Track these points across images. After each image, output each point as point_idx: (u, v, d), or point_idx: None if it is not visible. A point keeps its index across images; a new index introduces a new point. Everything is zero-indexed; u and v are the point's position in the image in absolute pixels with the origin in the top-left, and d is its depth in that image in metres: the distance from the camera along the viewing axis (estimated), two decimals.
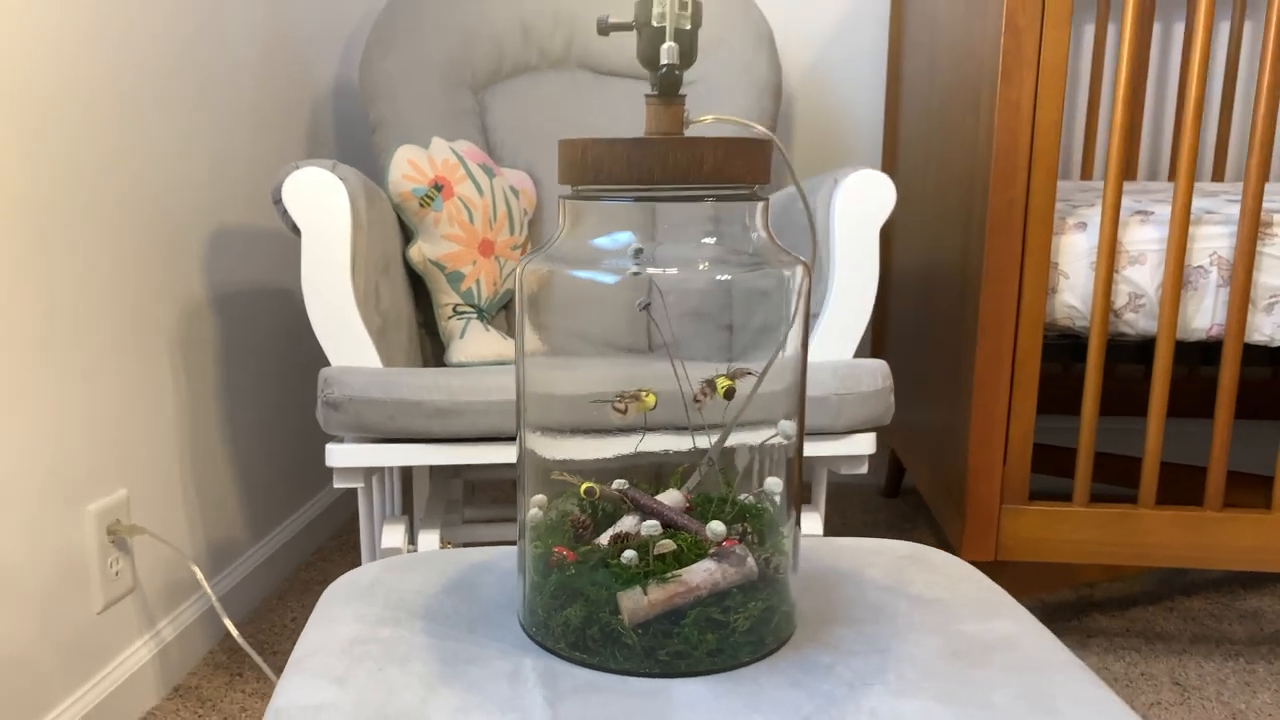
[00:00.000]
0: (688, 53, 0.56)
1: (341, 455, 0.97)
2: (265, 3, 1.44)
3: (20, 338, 0.97)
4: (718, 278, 0.56)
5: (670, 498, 0.66)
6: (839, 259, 1.16)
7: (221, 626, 1.34)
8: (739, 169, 0.55)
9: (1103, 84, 1.77)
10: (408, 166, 1.26)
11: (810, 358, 1.15)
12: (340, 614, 0.64)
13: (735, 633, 0.57)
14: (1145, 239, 1.18)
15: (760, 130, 0.59)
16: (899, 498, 2.02)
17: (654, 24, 0.55)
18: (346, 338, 1.06)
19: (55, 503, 1.03)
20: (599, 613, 0.57)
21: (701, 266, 0.56)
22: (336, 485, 0.98)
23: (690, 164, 0.53)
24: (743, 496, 0.66)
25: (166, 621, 1.23)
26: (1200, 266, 1.17)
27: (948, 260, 1.36)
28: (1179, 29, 1.80)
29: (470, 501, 1.47)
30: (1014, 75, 1.12)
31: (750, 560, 0.58)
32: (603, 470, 0.65)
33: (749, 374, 0.66)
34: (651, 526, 0.58)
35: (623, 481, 0.66)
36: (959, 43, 1.33)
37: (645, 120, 0.58)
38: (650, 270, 0.56)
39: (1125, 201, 1.26)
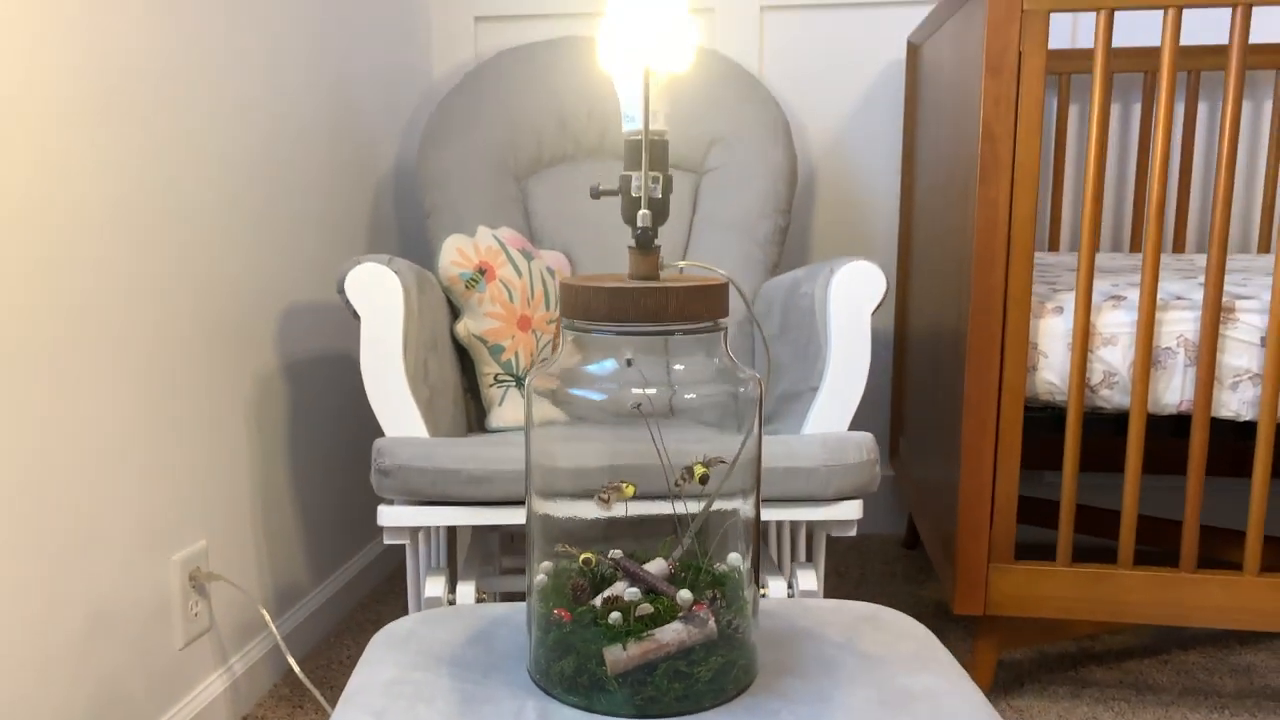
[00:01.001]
0: (660, 214, 0.71)
1: (390, 516, 1.12)
2: (331, 98, 1.63)
3: (118, 407, 1.14)
4: (685, 396, 0.70)
5: (656, 566, 0.79)
6: (834, 340, 1.29)
7: (285, 662, 1.50)
8: (699, 309, 0.69)
9: (1066, 159, 1.88)
10: (455, 254, 1.42)
11: (806, 429, 1.28)
12: (382, 659, 0.79)
13: (699, 682, 0.70)
14: (1117, 322, 1.29)
15: (721, 274, 0.73)
16: (918, 549, 2.12)
17: (632, 194, 0.70)
18: (398, 410, 1.22)
19: (145, 551, 1.20)
20: (588, 663, 0.70)
21: (675, 389, 0.70)
22: (386, 542, 1.14)
23: (658, 307, 0.68)
24: (718, 566, 0.79)
25: (237, 658, 1.39)
26: (1168, 348, 1.28)
27: (948, 332, 1.48)
28: (1136, 108, 1.90)
29: (509, 550, 1.62)
30: (991, 176, 1.24)
31: (711, 623, 0.71)
32: (605, 530, 0.79)
33: (721, 463, 0.80)
34: (633, 593, 0.72)
35: (617, 551, 0.79)
36: (952, 139, 1.46)
37: (627, 266, 0.72)
38: (633, 390, 0.70)
39: (1101, 285, 1.37)
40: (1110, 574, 1.31)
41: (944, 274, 1.51)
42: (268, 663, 1.45)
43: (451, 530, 1.53)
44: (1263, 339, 1.25)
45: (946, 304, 1.49)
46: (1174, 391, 1.28)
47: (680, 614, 0.71)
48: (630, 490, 0.73)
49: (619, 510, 0.75)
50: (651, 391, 0.69)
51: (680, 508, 0.79)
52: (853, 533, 1.20)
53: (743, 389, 0.71)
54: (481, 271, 1.42)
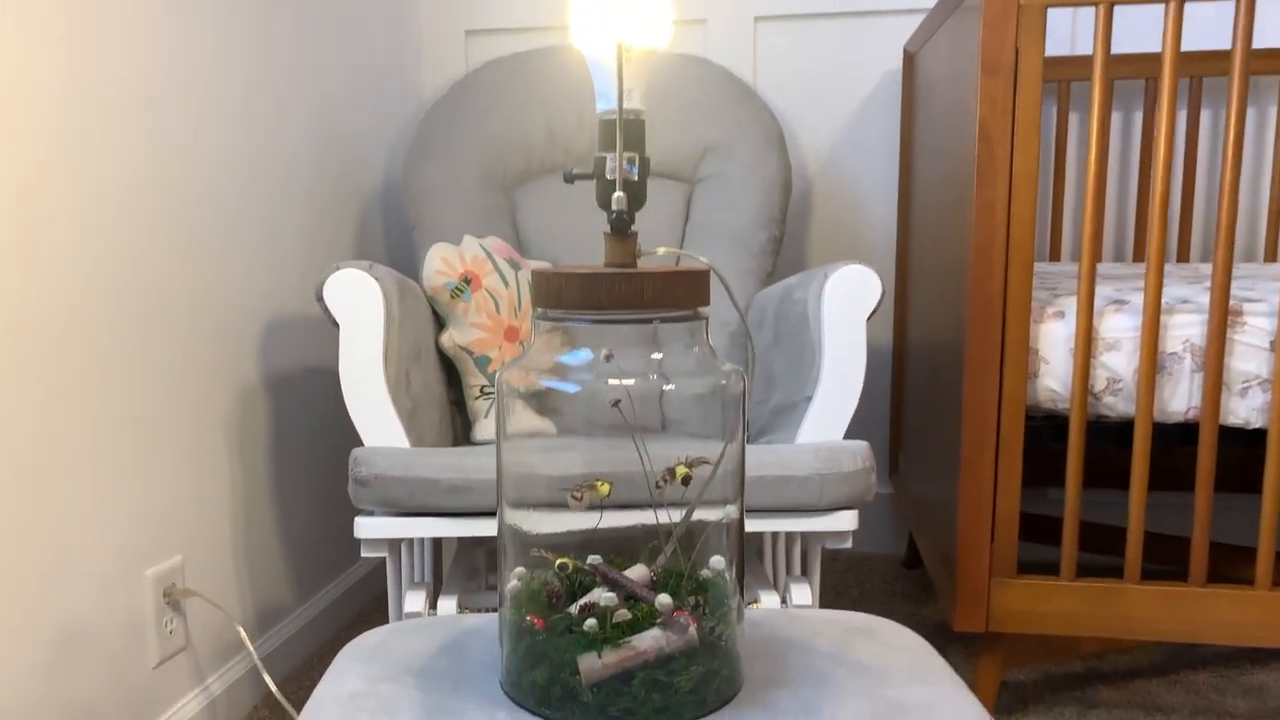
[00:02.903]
0: (636, 198, 0.68)
1: (368, 528, 1.09)
2: (319, 112, 1.61)
3: (89, 418, 1.11)
4: (665, 388, 0.66)
5: (637, 572, 0.75)
6: (828, 347, 1.25)
7: (266, 683, 1.45)
8: (677, 296, 0.65)
9: (1066, 169, 1.85)
10: (440, 263, 1.39)
11: (800, 439, 1.24)
12: (348, 670, 0.75)
13: (678, 693, 0.66)
14: (1121, 327, 1.25)
15: (702, 261, 0.69)
16: (919, 569, 2.07)
17: (607, 176, 0.67)
18: (378, 421, 1.18)
19: (119, 568, 1.16)
20: (561, 673, 0.66)
21: (652, 378, 0.66)
22: (364, 554, 1.10)
23: (633, 293, 0.64)
24: (703, 572, 0.75)
25: (215, 677, 1.34)
26: (1174, 353, 1.24)
27: (946, 342, 1.44)
28: (1137, 117, 1.87)
29: (495, 564, 1.58)
30: (988, 179, 1.21)
31: (692, 630, 0.67)
32: (580, 542, 0.75)
33: (705, 463, 0.76)
34: (609, 598, 0.68)
35: (596, 557, 0.75)
36: (949, 144, 1.43)
37: (604, 253, 0.69)
38: (610, 381, 0.66)
39: (1103, 290, 1.34)
40: (1117, 589, 1.27)
41: (942, 283, 1.48)
42: (247, 683, 1.41)
43: (437, 544, 1.49)
44: (1271, 343, 1.21)
45: (945, 314, 1.45)
46: (1180, 398, 1.24)
47: (659, 620, 0.67)
48: (605, 489, 0.69)
49: (593, 519, 0.71)
50: (630, 382, 0.66)
51: (663, 516, 0.75)
52: (848, 544, 1.16)
53: (725, 381, 0.68)
54: (467, 281, 1.39)
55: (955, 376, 1.35)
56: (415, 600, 1.12)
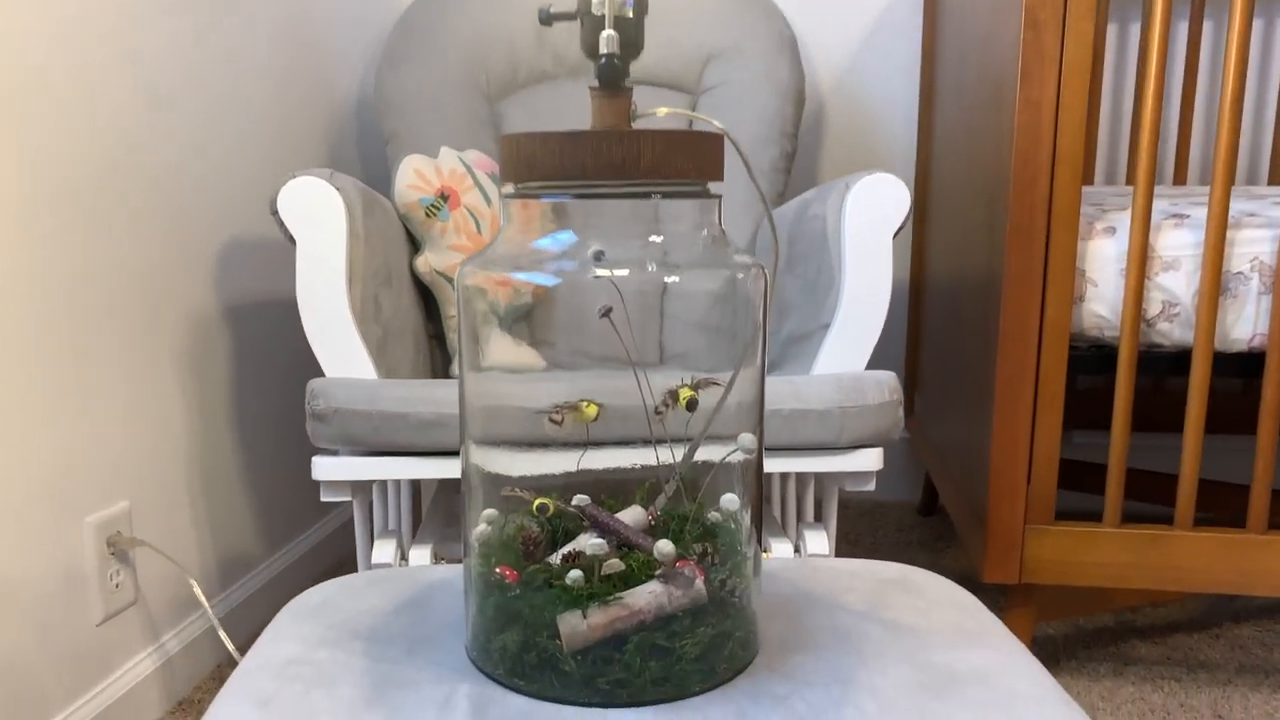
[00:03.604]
0: (632, 42, 0.53)
1: (327, 468, 0.96)
2: (289, 15, 1.45)
3: (18, 342, 0.97)
4: (668, 279, 0.53)
5: (632, 515, 0.62)
6: (849, 267, 1.11)
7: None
8: (683, 164, 0.51)
9: (1103, 83, 1.70)
10: (414, 176, 1.25)
11: (817, 369, 1.11)
12: (285, 633, 0.62)
13: (682, 660, 0.53)
14: (1180, 244, 1.11)
15: (715, 125, 0.55)
16: (935, 516, 1.95)
17: (593, 12, 0.52)
18: (341, 349, 1.05)
19: (52, 513, 1.03)
20: (538, 637, 0.54)
21: (650, 268, 0.53)
22: (324, 499, 0.97)
23: (627, 159, 0.50)
24: (710, 514, 0.62)
25: (171, 635, 1.22)
26: (1240, 273, 1.10)
27: (974, 271, 1.30)
28: (1182, 27, 1.72)
29: None
30: (1034, 74, 1.06)
31: (699, 583, 0.54)
32: (560, 486, 0.62)
33: (714, 384, 0.63)
34: (597, 545, 0.55)
35: (584, 497, 0.62)
36: (983, 43, 1.28)
37: (591, 115, 0.55)
38: (598, 272, 0.52)
39: (1157, 204, 1.19)
40: (1166, 536, 1.14)
41: (972, 204, 1.34)
42: (208, 642, 1.29)
43: (415, 488, 1.36)
44: None
45: (975, 238, 1.31)
46: (1245, 323, 1.11)
47: (659, 572, 0.54)
48: (592, 411, 0.56)
49: (574, 458, 0.57)
50: (623, 273, 0.52)
51: (664, 454, 0.62)
52: (870, 486, 1.03)
53: (742, 275, 0.54)
54: (444, 197, 1.25)
55: (986, 307, 1.21)
56: (384, 550, 0.99)
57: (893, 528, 1.89)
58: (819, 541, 1.07)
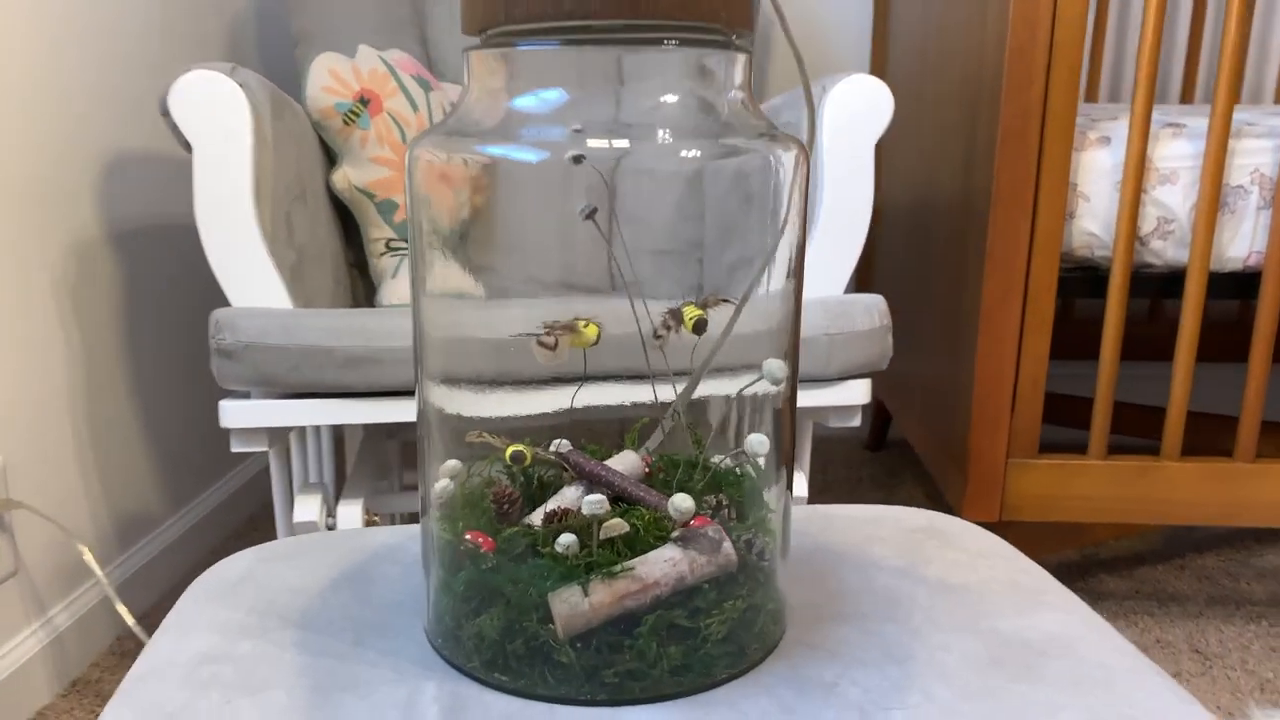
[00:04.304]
0: None
1: (237, 414, 0.82)
2: None
3: None
4: (684, 154, 0.41)
5: (625, 462, 0.51)
6: (828, 179, 1.00)
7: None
8: (710, 3, 0.39)
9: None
10: (328, 78, 1.09)
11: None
12: (196, 620, 0.49)
13: (707, 643, 0.43)
14: (1178, 155, 1.03)
15: None
16: (883, 451, 1.89)
17: None
18: (249, 273, 0.90)
19: None
20: (524, 620, 0.42)
21: (663, 138, 0.40)
22: (235, 449, 0.83)
23: None
24: (718, 459, 0.51)
25: (60, 608, 1.07)
26: (1240, 186, 1.02)
27: (947, 186, 1.20)
28: None
29: (412, 460, 1.32)
30: None
31: (727, 545, 0.43)
32: (536, 432, 0.50)
33: (725, 302, 0.51)
34: (595, 502, 0.43)
35: (563, 442, 0.51)
36: None
37: None
38: (590, 143, 0.40)
39: (1154, 114, 1.11)
40: (1154, 467, 1.08)
41: (941, 112, 1.23)
42: (103, 613, 1.14)
43: (338, 435, 1.23)
44: None
45: (945, 151, 1.21)
46: (1242, 240, 1.04)
47: (675, 534, 0.43)
48: (593, 332, 0.44)
49: (562, 397, 0.45)
50: (623, 144, 0.40)
51: (665, 390, 0.51)
52: (857, 421, 0.93)
53: (774, 155, 0.42)
54: (364, 102, 1.09)
55: (965, 226, 1.12)
56: (307, 507, 0.86)
57: (840, 465, 1.81)
58: (798, 485, 0.98)
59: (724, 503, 0.47)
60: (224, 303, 1.37)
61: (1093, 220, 1.05)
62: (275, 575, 0.53)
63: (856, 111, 0.99)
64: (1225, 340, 1.59)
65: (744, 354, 0.49)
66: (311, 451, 0.99)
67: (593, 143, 0.40)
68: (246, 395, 0.84)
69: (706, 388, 0.50)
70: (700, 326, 0.50)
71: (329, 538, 0.58)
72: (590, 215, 0.48)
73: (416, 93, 1.13)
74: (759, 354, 0.49)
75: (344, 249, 1.18)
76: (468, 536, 0.44)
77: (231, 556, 0.56)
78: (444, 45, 1.32)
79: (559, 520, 0.46)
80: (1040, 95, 0.98)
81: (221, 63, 0.93)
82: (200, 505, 1.37)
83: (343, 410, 0.82)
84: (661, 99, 0.41)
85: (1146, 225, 1.04)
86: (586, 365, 0.49)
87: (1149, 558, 1.41)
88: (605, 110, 0.42)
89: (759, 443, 0.46)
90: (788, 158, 0.43)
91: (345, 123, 1.08)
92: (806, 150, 0.44)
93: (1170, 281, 1.09)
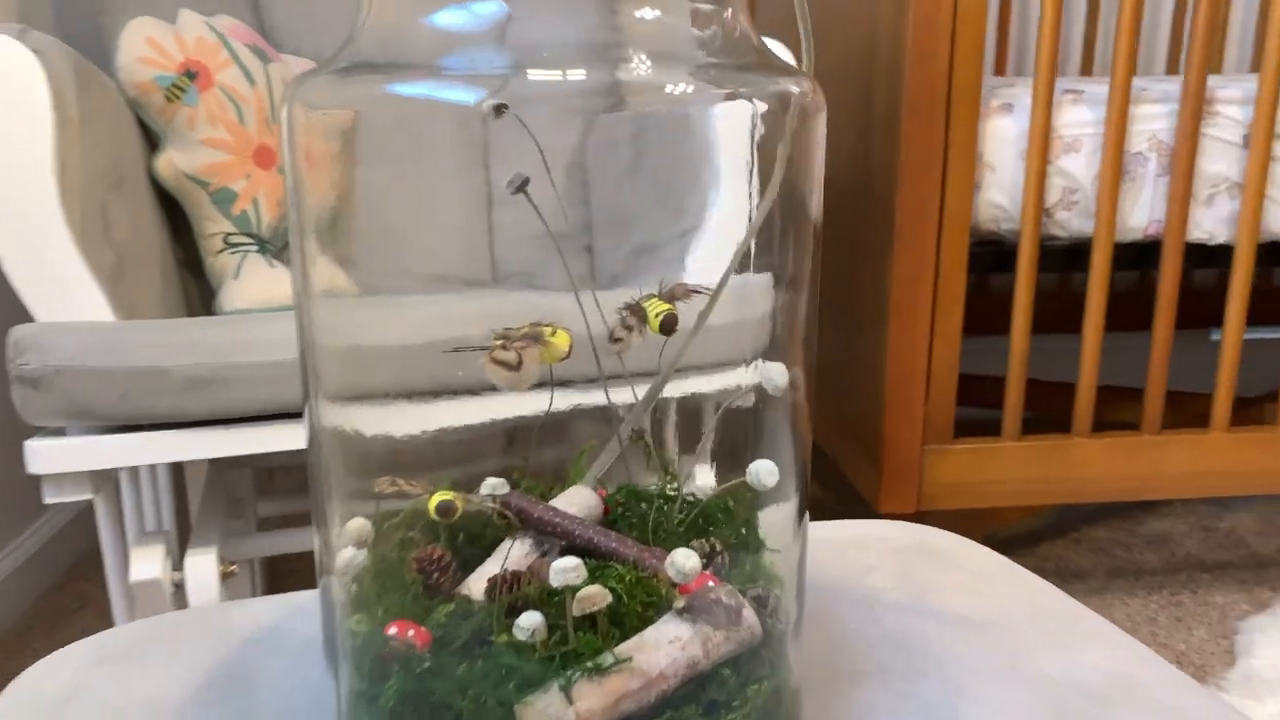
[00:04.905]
0: None
1: (47, 456, 0.66)
2: None
3: None
4: (669, 90, 0.30)
5: (577, 500, 0.40)
6: (726, 156, 0.91)
7: None
8: None
9: None
10: (145, 47, 0.92)
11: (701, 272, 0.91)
12: None
13: None
14: (1080, 121, 0.99)
15: None
16: None
17: None
18: (57, 280, 0.73)
19: None
20: None
21: (641, 68, 0.30)
22: (48, 500, 0.67)
23: None
24: (697, 488, 0.42)
25: None
26: (1139, 153, 1.00)
27: (839, 162, 1.14)
28: None
29: (269, 488, 1.16)
30: None
31: (749, 612, 0.33)
32: (460, 454, 0.40)
33: (697, 292, 0.42)
34: (568, 569, 0.32)
35: (497, 481, 0.40)
36: None
37: None
38: (528, 75, 0.29)
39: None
40: (1067, 444, 1.05)
41: (830, 86, 1.17)
42: None
43: (177, 469, 1.05)
44: (1245, 137, 0.99)
45: (836, 127, 1.15)
46: (1142, 209, 1.01)
47: (681, 605, 0.33)
48: (564, 341, 0.33)
49: (506, 406, 0.34)
50: (579, 75, 0.29)
51: (620, 394, 0.41)
52: (752, 402, 0.85)
53: (793, 86, 0.33)
54: (190, 75, 0.93)
55: (852, 209, 1.05)
56: (147, 563, 0.70)
57: None
58: (705, 480, 0.89)
59: (717, 548, 0.37)
60: (26, 318, 1.16)
61: (999, 191, 1.00)
62: (116, 685, 0.39)
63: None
64: (1128, 309, 1.60)
65: (723, 351, 0.40)
66: (147, 493, 0.83)
67: (532, 74, 0.29)
68: (61, 431, 0.68)
69: (672, 391, 0.41)
70: (669, 325, 0.40)
71: (184, 621, 0.44)
72: (521, 188, 0.37)
73: (253, 64, 0.98)
74: (742, 350, 0.40)
75: (173, 245, 1.01)
76: (392, 631, 0.32)
77: (53, 658, 0.42)
78: (279, 11, 1.15)
79: (508, 588, 0.34)
80: (945, 67, 0.92)
81: (8, 24, 0.76)
82: (23, 546, 1.17)
83: (184, 444, 0.67)
84: (637, 12, 0.31)
85: (1052, 196, 1.00)
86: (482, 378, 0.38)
87: (1045, 533, 1.40)
88: (552, 30, 0.31)
89: (767, 471, 0.36)
90: (799, 97, 0.33)
91: (168, 99, 0.92)
92: (820, 91, 0.34)
93: (1074, 254, 1.06)
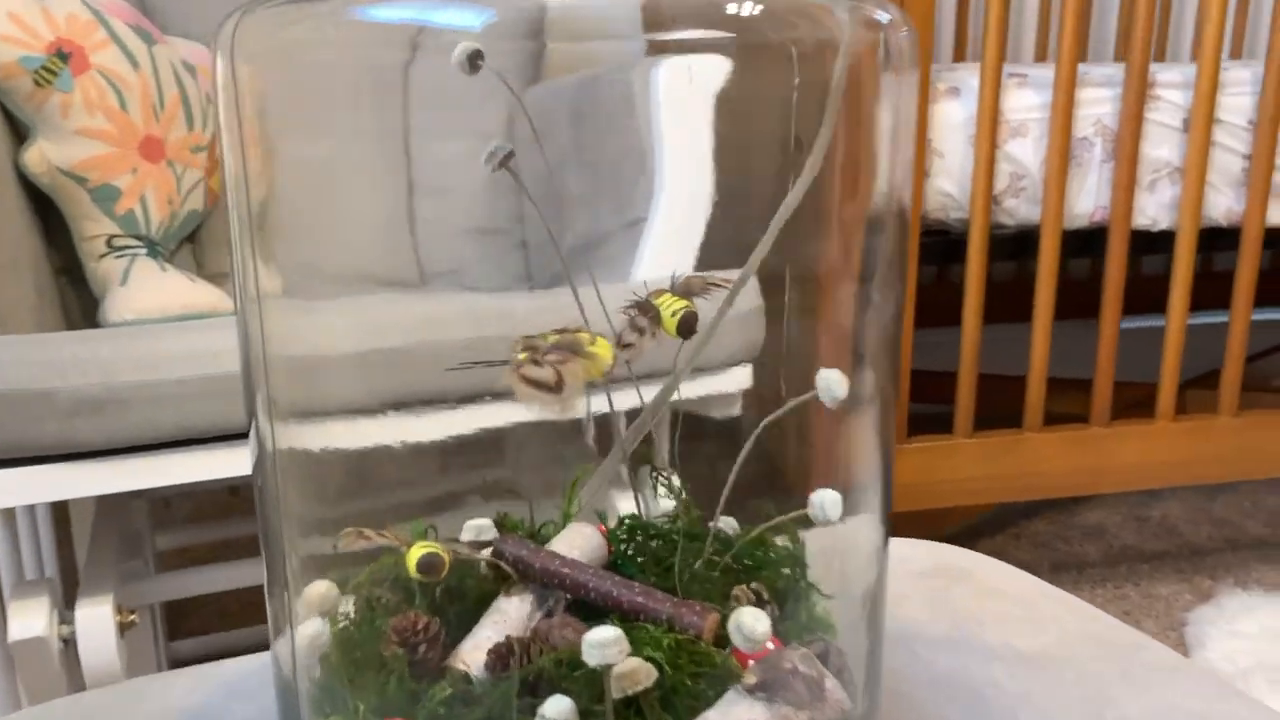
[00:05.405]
0: None
1: None
2: None
3: None
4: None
5: (579, 542, 0.33)
6: (669, 142, 0.85)
7: None
8: None
9: None
10: (8, 24, 0.80)
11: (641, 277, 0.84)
12: None
13: None
14: (1027, 105, 0.97)
15: None
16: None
17: None
18: None
19: None
20: None
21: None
22: None
23: None
24: (719, 522, 0.36)
25: None
26: (1084, 138, 0.98)
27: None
28: None
29: (165, 520, 1.04)
30: None
31: (833, 684, 0.26)
32: (428, 472, 0.33)
33: (716, 286, 0.36)
34: (606, 642, 0.25)
35: (483, 523, 0.33)
36: None
37: None
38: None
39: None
40: (1020, 440, 1.02)
41: None
42: None
43: (60, 507, 0.93)
44: (1185, 121, 0.98)
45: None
46: (1088, 196, 0.99)
47: (752, 682, 0.26)
48: (606, 351, 0.26)
49: (589, 438, 0.27)
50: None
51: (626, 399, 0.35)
52: (737, 411, 0.79)
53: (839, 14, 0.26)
54: (63, 56, 0.82)
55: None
56: (29, 618, 0.60)
57: None
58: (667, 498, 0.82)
59: (764, 597, 0.31)
60: None
61: (947, 179, 0.96)
62: None
63: (699, 61, 0.84)
64: (1077, 298, 1.58)
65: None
66: (25, 535, 0.72)
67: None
68: None
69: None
70: (688, 325, 0.33)
71: (82, 709, 0.35)
72: (504, 162, 0.31)
73: (135, 45, 0.87)
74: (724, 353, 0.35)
75: (47, 250, 0.89)
76: None
77: None
78: None
79: (515, 662, 0.27)
80: None
81: None
82: None
83: (76, 478, 0.57)
84: None
85: (1000, 182, 0.97)
86: (453, 384, 0.31)
87: (985, 529, 1.38)
88: None
89: (832, 503, 0.30)
90: (906, 41, 0.27)
91: (37, 84, 0.80)
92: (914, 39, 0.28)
93: (1021, 242, 1.04)
